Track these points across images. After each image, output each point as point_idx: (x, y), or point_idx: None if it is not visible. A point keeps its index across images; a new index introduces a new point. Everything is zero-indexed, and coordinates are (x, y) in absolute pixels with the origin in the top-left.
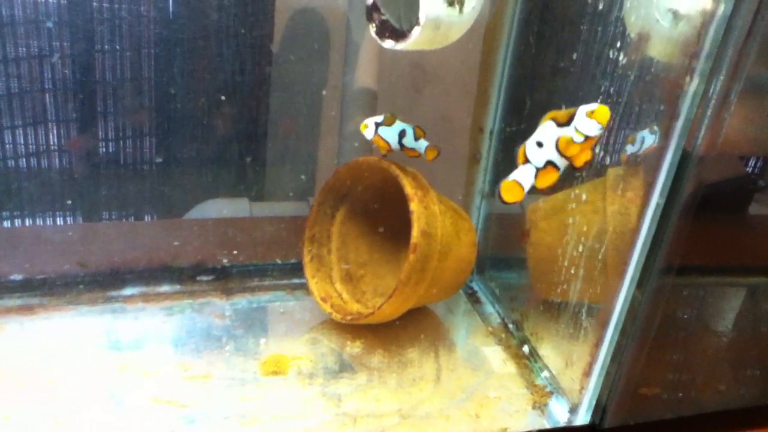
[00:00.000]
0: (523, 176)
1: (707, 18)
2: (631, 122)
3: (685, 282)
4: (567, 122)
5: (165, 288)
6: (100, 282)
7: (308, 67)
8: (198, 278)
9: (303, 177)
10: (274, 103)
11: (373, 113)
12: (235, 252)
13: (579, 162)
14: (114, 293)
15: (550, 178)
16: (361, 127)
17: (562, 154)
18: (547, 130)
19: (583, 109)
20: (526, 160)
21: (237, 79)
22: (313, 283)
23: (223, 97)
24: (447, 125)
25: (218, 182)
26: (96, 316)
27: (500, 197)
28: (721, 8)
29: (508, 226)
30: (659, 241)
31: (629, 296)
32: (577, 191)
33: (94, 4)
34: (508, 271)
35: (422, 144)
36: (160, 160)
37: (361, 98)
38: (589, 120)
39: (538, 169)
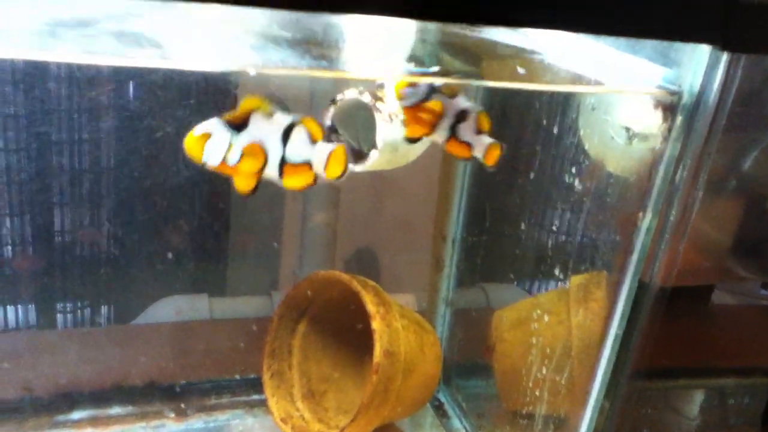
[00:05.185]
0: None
1: (656, 157)
2: (588, 252)
3: (653, 388)
4: None
5: (116, 410)
6: (46, 406)
7: None
8: (151, 398)
9: (264, 271)
10: (236, 195)
11: (336, 210)
12: (191, 367)
13: None
14: (62, 417)
15: None
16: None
17: None
18: None
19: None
20: None
21: (197, 170)
22: (273, 402)
23: (183, 189)
24: (409, 233)
25: (176, 278)
26: None
27: None
28: (669, 148)
29: (474, 334)
30: (622, 364)
31: (596, 408)
32: (541, 301)
33: (53, 97)
34: (476, 380)
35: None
36: (114, 254)
37: (324, 195)
38: None
39: None
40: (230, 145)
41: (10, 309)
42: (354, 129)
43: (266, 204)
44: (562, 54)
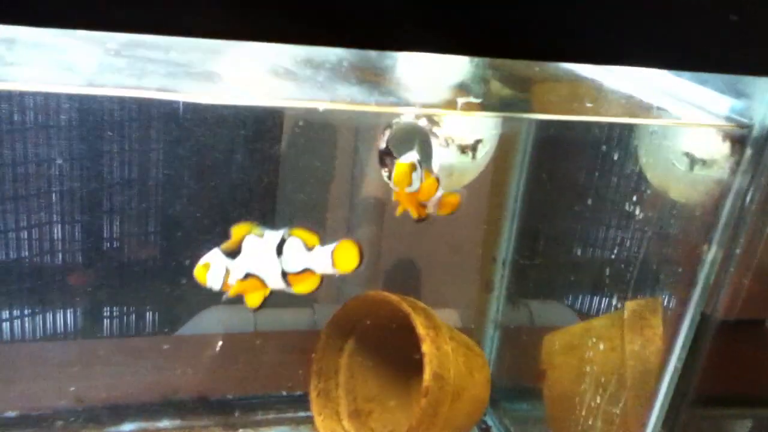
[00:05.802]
0: None
1: (723, 189)
2: (647, 282)
3: (710, 416)
4: None
5: (165, 423)
6: (97, 417)
7: (315, 176)
8: (199, 412)
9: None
10: (280, 209)
11: (381, 226)
12: (238, 382)
13: None
14: (112, 429)
15: None
16: (399, 174)
17: None
18: None
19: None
20: None
21: (242, 185)
22: (320, 421)
23: (228, 201)
24: (453, 252)
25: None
26: None
27: None
28: (737, 181)
29: (524, 357)
30: (680, 395)
31: None
32: (594, 327)
33: (105, 112)
34: (524, 404)
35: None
36: (159, 264)
37: (369, 211)
38: None
39: None
40: (228, 271)
41: (57, 316)
42: (409, 150)
43: (310, 217)
44: (621, 80)
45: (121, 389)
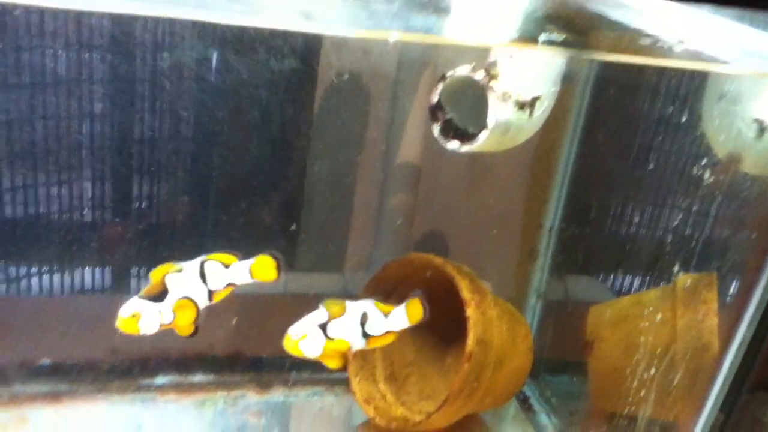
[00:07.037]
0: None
1: None
2: (713, 251)
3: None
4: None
5: (199, 378)
6: (131, 369)
7: (348, 136)
8: (233, 369)
9: (338, 248)
10: (311, 171)
11: (415, 191)
12: (271, 341)
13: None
14: (146, 382)
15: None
16: (290, 346)
17: None
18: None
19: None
20: None
21: (274, 143)
22: (356, 383)
23: (258, 163)
24: (499, 220)
25: (252, 248)
26: (125, 407)
27: None
28: None
29: (567, 328)
30: (744, 372)
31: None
32: (644, 300)
33: (136, 66)
34: (566, 376)
35: (398, 318)
36: (189, 224)
37: (403, 176)
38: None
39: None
40: (160, 313)
41: (87, 272)
42: (463, 108)
43: (343, 183)
44: (683, 35)
45: (156, 342)
